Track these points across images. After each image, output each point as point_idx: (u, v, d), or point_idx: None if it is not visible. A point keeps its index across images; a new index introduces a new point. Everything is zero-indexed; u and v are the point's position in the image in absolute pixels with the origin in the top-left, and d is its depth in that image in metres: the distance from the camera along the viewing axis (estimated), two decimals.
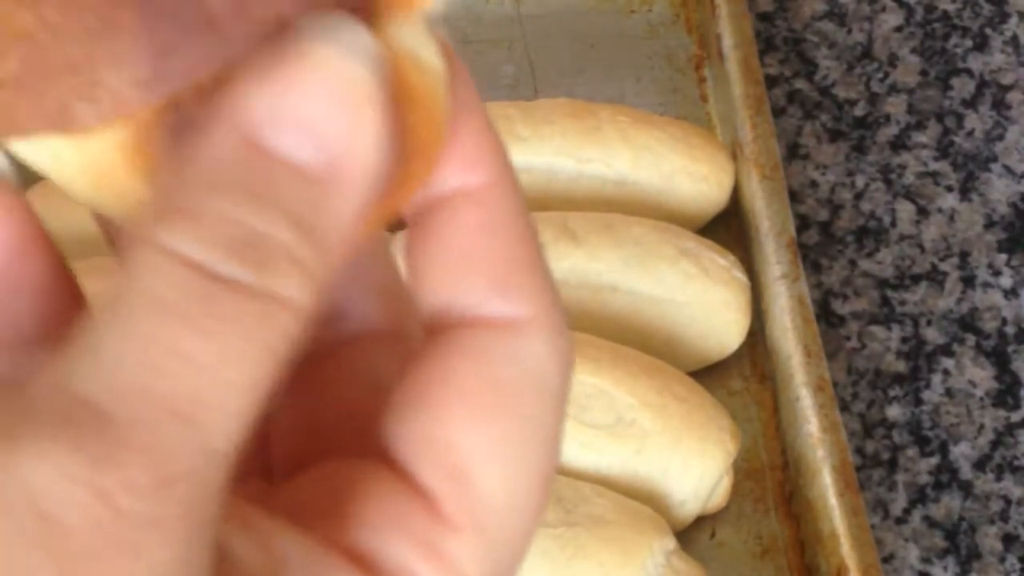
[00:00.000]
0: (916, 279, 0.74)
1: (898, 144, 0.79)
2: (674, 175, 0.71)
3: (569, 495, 0.61)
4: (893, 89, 0.81)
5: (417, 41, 0.24)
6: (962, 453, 0.69)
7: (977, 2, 0.84)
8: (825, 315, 0.73)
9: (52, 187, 0.25)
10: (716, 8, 0.76)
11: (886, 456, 0.69)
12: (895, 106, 0.80)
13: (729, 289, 0.67)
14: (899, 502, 0.68)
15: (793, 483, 0.65)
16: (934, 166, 0.78)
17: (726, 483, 0.64)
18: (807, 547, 0.64)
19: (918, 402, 0.70)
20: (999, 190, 0.77)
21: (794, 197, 0.75)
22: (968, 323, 0.73)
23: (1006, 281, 0.74)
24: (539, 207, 0.69)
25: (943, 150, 0.79)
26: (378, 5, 0.23)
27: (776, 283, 0.67)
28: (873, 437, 0.69)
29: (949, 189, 0.77)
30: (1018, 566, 0.66)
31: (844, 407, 0.69)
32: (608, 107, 0.72)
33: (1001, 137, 0.79)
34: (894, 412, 0.70)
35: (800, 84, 0.81)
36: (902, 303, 0.73)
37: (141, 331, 0.21)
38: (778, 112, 0.79)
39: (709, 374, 0.68)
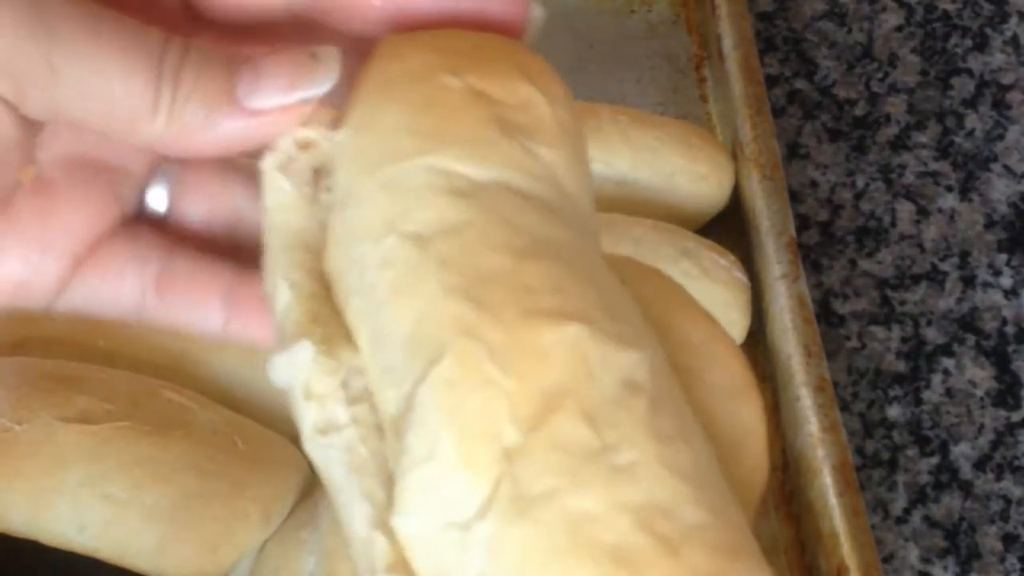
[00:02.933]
0: (916, 279, 0.74)
1: (898, 144, 0.79)
2: (674, 175, 0.71)
3: None
4: (893, 89, 0.81)
5: None
6: (962, 453, 0.69)
7: (977, 2, 0.84)
8: (825, 315, 0.73)
9: None
10: (716, 8, 0.76)
11: (886, 456, 0.69)
12: (895, 106, 0.80)
13: (729, 289, 0.67)
14: (899, 502, 0.68)
15: (793, 483, 0.65)
16: (934, 166, 0.78)
17: None
18: (807, 547, 0.64)
19: (918, 402, 0.70)
20: (999, 190, 0.77)
21: (794, 197, 0.75)
22: (968, 323, 0.73)
23: (1006, 281, 0.74)
24: None
25: (943, 150, 0.79)
26: None
27: (776, 283, 0.67)
28: (873, 437, 0.69)
29: (949, 189, 0.77)
30: (1018, 566, 0.66)
31: (844, 407, 0.69)
32: (608, 107, 0.72)
33: (1001, 137, 0.79)
34: (894, 412, 0.70)
35: (800, 84, 0.81)
36: (902, 303, 0.73)
37: None
38: (778, 112, 0.79)
39: None
